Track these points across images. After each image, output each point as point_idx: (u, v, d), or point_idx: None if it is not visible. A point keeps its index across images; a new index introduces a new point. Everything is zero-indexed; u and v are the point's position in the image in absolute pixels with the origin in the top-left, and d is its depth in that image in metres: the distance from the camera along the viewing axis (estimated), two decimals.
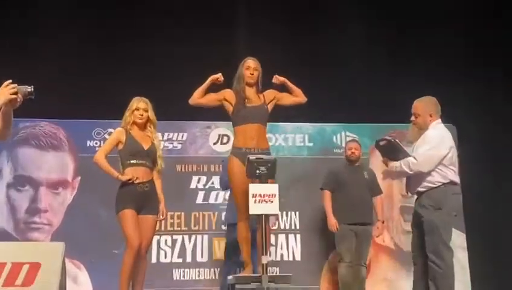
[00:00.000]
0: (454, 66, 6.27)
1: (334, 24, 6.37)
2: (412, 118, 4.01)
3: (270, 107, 4.16)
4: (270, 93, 4.20)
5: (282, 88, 4.26)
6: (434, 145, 3.83)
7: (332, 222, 4.98)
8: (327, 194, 5.09)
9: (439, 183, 3.81)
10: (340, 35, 6.32)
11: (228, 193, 4.98)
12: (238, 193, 3.99)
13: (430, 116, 3.94)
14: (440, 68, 6.23)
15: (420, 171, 3.83)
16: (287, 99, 4.23)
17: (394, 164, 3.95)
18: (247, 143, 3.99)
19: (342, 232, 4.95)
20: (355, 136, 6.03)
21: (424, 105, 3.97)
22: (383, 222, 5.23)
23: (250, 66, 4.13)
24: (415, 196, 4.02)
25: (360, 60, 6.30)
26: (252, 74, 4.12)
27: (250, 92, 4.13)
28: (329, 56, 6.29)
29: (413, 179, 3.97)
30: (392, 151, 3.98)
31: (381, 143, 4.05)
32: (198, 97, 4.09)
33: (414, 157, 3.84)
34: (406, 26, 6.46)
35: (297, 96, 4.22)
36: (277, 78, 4.23)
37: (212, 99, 4.14)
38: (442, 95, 4.12)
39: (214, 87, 4.16)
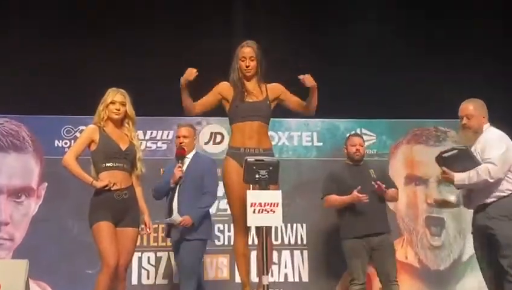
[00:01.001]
0: (490, 58, 6.29)
1: (351, 8, 6.42)
2: (464, 120, 4.15)
3: (273, 104, 4.13)
4: (275, 89, 4.14)
5: (301, 90, 4.09)
6: (506, 149, 3.98)
7: (355, 195, 4.71)
8: (331, 196, 4.93)
9: (510, 192, 3.97)
10: (357, 19, 6.37)
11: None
12: (234, 201, 3.99)
13: (483, 117, 4.14)
14: (472, 60, 6.25)
15: (499, 178, 3.95)
16: (294, 104, 4.17)
17: (466, 176, 3.99)
18: (246, 142, 3.99)
19: (353, 247, 4.85)
20: (372, 134, 6.05)
21: (476, 107, 4.16)
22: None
23: (246, 57, 4.05)
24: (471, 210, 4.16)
25: (377, 46, 6.32)
26: (248, 66, 4.05)
27: (249, 84, 4.09)
28: (342, 42, 6.31)
29: (475, 191, 4.07)
30: (460, 162, 4.02)
31: (447, 154, 4.06)
32: (190, 111, 4.09)
33: (493, 163, 3.92)
34: (432, 13, 6.50)
35: (307, 108, 4.11)
36: (308, 80, 3.93)
37: (208, 103, 4.14)
38: (473, 92, 4.25)
39: (205, 83, 4.11)
